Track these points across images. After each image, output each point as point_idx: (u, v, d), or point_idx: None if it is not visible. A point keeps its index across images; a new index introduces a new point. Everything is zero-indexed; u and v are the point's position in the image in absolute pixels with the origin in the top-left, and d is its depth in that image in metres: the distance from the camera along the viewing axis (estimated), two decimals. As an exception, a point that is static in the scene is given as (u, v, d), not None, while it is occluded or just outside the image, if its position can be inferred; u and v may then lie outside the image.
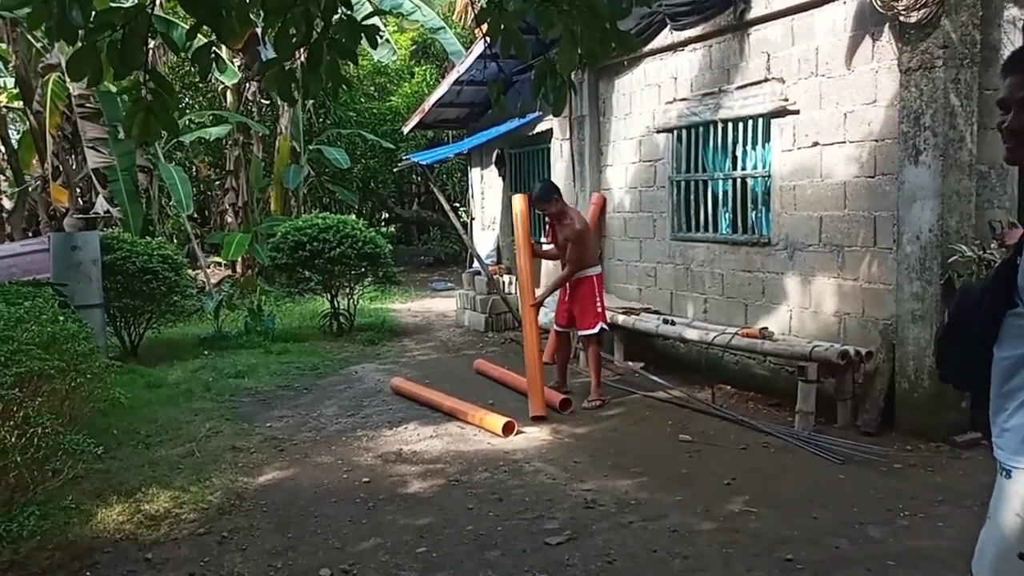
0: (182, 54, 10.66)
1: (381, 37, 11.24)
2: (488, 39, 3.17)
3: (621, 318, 7.23)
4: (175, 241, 15.85)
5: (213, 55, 2.72)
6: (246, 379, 7.67)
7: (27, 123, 12.89)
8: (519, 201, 6.57)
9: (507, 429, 5.54)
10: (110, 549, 3.93)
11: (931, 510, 4.04)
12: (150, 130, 2.85)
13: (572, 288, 6.46)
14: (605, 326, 6.46)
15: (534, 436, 5.57)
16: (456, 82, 9.89)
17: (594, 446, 5.31)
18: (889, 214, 5.28)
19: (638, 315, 7.22)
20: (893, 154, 5.21)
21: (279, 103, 14.99)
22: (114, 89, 11.61)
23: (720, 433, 5.49)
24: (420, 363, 8.39)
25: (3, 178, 15.43)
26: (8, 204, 14.25)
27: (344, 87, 3.38)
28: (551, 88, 2.87)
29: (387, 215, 24.07)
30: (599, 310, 6.38)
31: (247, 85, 15.68)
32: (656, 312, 7.39)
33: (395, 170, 14.63)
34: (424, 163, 10.04)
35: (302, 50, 3.21)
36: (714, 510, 4.14)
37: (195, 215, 21.91)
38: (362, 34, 3.14)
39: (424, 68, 19.18)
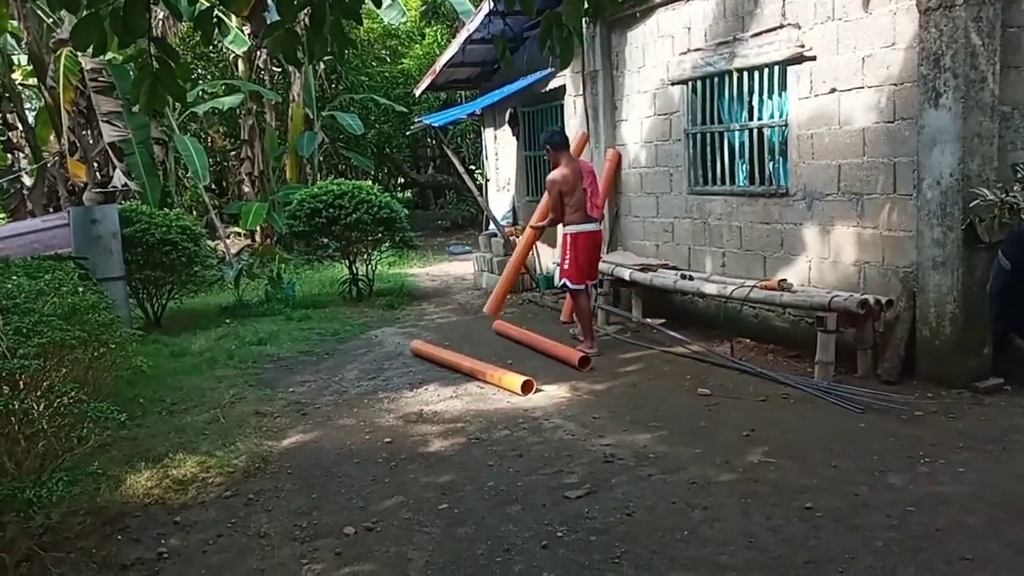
0: (187, 21, 10.59)
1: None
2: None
3: (639, 275, 7.20)
4: (194, 213, 15.95)
5: (216, 20, 2.69)
6: (268, 346, 7.76)
7: (42, 99, 12.93)
8: None
9: (526, 387, 5.57)
10: (140, 513, 4.02)
11: (952, 456, 4.02)
12: (157, 98, 2.86)
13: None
14: (570, 284, 6.67)
15: (553, 394, 5.59)
16: (466, 41, 9.76)
17: (613, 402, 5.33)
18: (909, 160, 5.18)
19: (655, 271, 7.18)
20: (913, 98, 5.09)
21: (291, 70, 14.93)
22: (122, 62, 11.62)
23: (739, 386, 5.48)
24: (439, 326, 8.43)
25: (22, 155, 15.53)
26: (28, 181, 14.37)
27: (353, 50, 3.37)
28: (557, 40, 2.82)
29: (403, 180, 24.00)
30: (566, 267, 6.68)
31: (258, 53, 15.62)
32: (674, 268, 7.34)
33: (408, 133, 14.55)
34: (436, 125, 9.97)
35: (306, 12, 3.18)
36: (733, 461, 4.15)
37: (212, 186, 22.04)
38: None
39: (435, 29, 18.95)
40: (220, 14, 2.79)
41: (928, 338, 5.08)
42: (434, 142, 21.07)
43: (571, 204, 6.57)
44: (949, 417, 4.57)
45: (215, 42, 14.94)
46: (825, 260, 5.90)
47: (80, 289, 4.95)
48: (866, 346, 5.35)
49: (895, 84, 5.24)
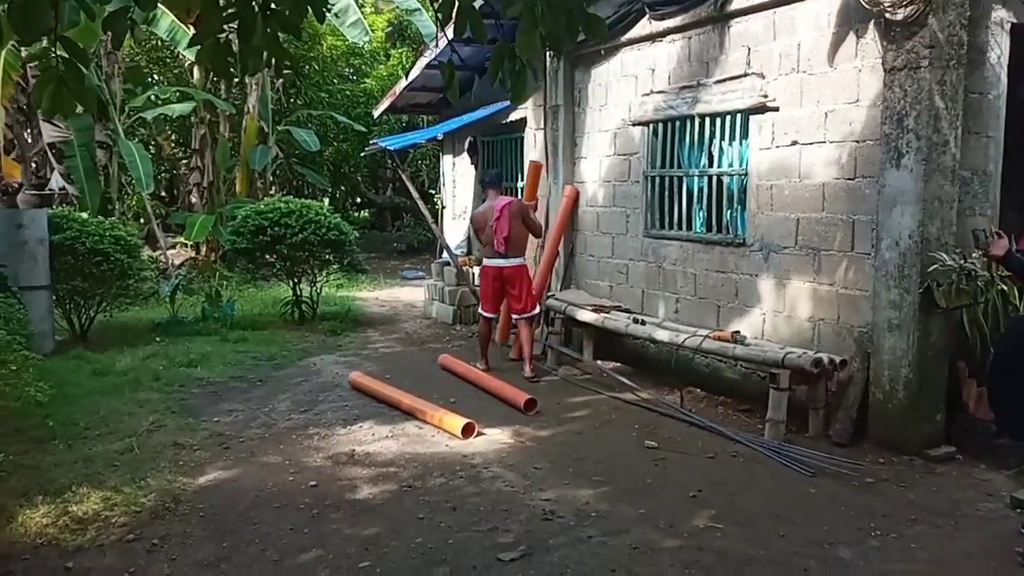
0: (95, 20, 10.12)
1: (330, 9, 10.81)
2: (439, 16, 2.90)
3: (591, 316, 7.01)
4: (141, 220, 15.36)
5: (130, 22, 2.41)
6: (198, 368, 7.35)
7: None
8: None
9: (467, 431, 5.30)
10: (28, 556, 3.65)
11: (903, 530, 3.87)
12: (63, 103, 2.56)
13: None
14: (486, 314, 7.30)
15: (495, 438, 5.33)
16: (428, 66, 9.58)
17: (556, 451, 5.09)
18: (868, 218, 5.10)
19: (608, 313, 7.00)
20: (874, 156, 5.02)
21: (248, 81, 14.55)
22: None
23: (688, 439, 5.29)
24: (383, 356, 8.11)
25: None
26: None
27: (310, 65, 3.12)
28: (509, 72, 2.61)
29: (359, 200, 23.63)
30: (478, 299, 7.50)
31: (216, 62, 15.18)
32: (627, 310, 7.17)
33: (362, 154, 14.25)
34: (392, 148, 9.71)
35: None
36: (678, 525, 3.93)
37: (163, 194, 21.38)
38: (308, 6, 2.86)
39: (400, 51, 18.78)
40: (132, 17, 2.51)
41: (881, 401, 4.96)
42: (393, 164, 20.80)
43: (482, 239, 7.29)
44: (900, 486, 4.43)
45: (171, 48, 14.54)
46: (780, 314, 5.78)
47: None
48: (818, 406, 5.21)
49: (857, 141, 5.18)
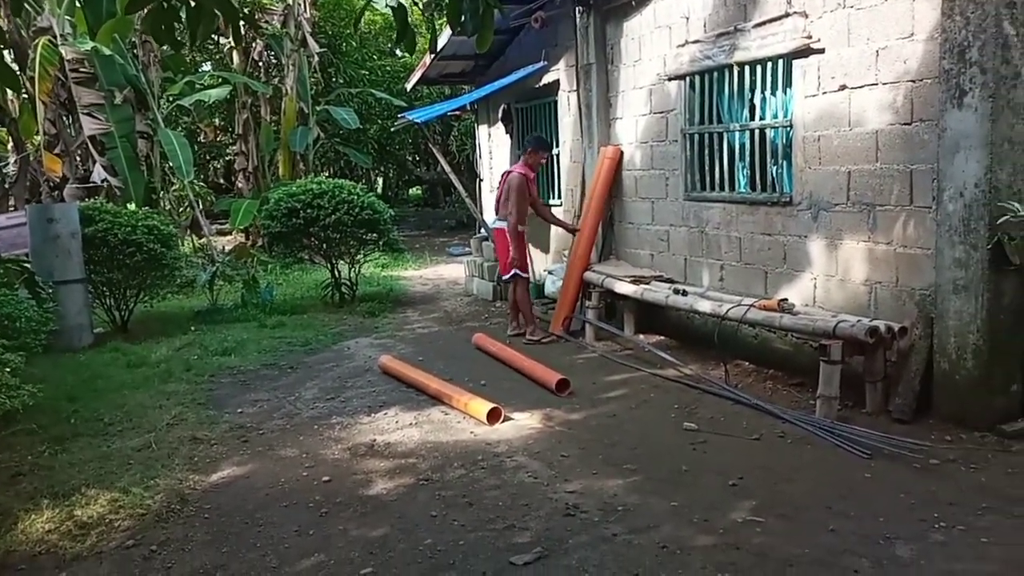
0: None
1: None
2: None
3: (629, 287, 6.60)
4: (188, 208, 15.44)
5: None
6: (232, 356, 7.23)
7: (24, 90, 12.47)
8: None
9: (492, 416, 4.99)
10: (25, 565, 3.50)
11: (973, 521, 3.40)
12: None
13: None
14: (520, 273, 7.38)
15: (522, 424, 5.01)
16: (457, 33, 9.16)
17: (587, 436, 4.73)
18: (928, 167, 4.54)
19: (648, 284, 6.57)
20: (933, 97, 4.45)
21: (285, 61, 14.39)
22: (108, 52, 11.14)
23: (731, 419, 4.86)
24: (419, 337, 7.86)
25: (10, 148, 15.11)
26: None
27: (352, 43, 2.79)
28: (469, 13, 2.22)
29: (407, 177, 23.48)
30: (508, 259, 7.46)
31: (254, 44, 15.10)
32: (669, 280, 6.74)
33: (392, 129, 13.98)
34: (420, 120, 9.38)
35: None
36: (714, 519, 3.55)
37: (221, 181, 21.60)
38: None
39: (441, 21, 18.34)
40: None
41: (947, 372, 4.43)
42: (440, 138, 20.51)
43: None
44: (970, 468, 3.93)
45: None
46: (832, 278, 5.26)
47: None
48: (876, 378, 4.71)
49: (913, 80, 4.60)
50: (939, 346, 4.48)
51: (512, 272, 7.37)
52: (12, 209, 12.40)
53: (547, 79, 8.70)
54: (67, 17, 11.47)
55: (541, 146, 7.58)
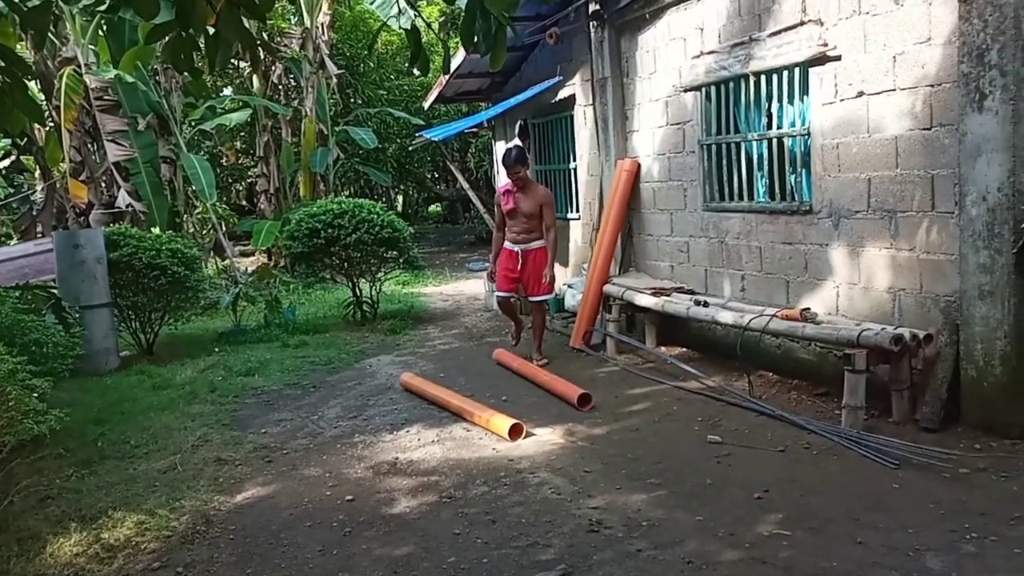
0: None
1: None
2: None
3: (650, 300, 6.57)
4: (211, 230, 15.64)
5: (55, 17, 2.17)
6: (256, 376, 7.28)
7: (51, 118, 12.73)
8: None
9: (514, 432, 4.98)
10: (53, 590, 3.53)
11: (1006, 531, 3.33)
12: (6, 118, 2.35)
13: (527, 256, 7.07)
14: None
15: (544, 439, 4.99)
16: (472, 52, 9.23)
17: (610, 451, 4.70)
18: (949, 172, 4.48)
19: (668, 296, 6.54)
20: (952, 101, 4.40)
21: (303, 84, 14.57)
22: (131, 79, 11.34)
23: (756, 431, 4.81)
24: (440, 354, 7.87)
25: (36, 175, 15.40)
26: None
27: (370, 63, 2.83)
28: (482, 33, 2.24)
29: (426, 194, 23.63)
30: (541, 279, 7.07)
31: (273, 68, 15.32)
32: (689, 291, 6.70)
33: (410, 148, 14.07)
34: (437, 139, 9.44)
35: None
36: (740, 533, 3.51)
37: (244, 203, 21.85)
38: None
39: (456, 41, 18.51)
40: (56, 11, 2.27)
41: (975, 379, 4.36)
42: (459, 155, 20.62)
43: None
44: (1001, 476, 3.86)
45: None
46: (855, 286, 5.21)
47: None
48: (902, 387, 4.64)
49: (932, 85, 4.56)
50: (966, 353, 4.41)
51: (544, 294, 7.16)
52: (39, 236, 12.61)
53: (563, 94, 8.73)
54: (91, 47, 11.70)
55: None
